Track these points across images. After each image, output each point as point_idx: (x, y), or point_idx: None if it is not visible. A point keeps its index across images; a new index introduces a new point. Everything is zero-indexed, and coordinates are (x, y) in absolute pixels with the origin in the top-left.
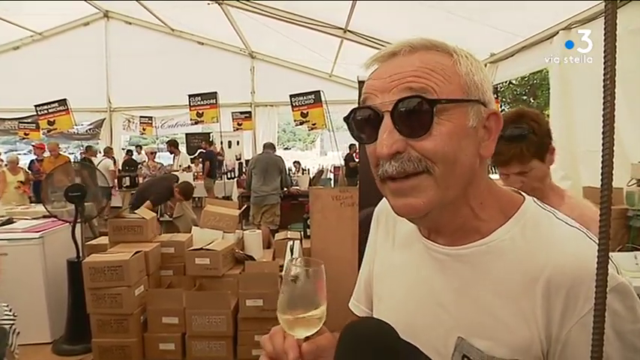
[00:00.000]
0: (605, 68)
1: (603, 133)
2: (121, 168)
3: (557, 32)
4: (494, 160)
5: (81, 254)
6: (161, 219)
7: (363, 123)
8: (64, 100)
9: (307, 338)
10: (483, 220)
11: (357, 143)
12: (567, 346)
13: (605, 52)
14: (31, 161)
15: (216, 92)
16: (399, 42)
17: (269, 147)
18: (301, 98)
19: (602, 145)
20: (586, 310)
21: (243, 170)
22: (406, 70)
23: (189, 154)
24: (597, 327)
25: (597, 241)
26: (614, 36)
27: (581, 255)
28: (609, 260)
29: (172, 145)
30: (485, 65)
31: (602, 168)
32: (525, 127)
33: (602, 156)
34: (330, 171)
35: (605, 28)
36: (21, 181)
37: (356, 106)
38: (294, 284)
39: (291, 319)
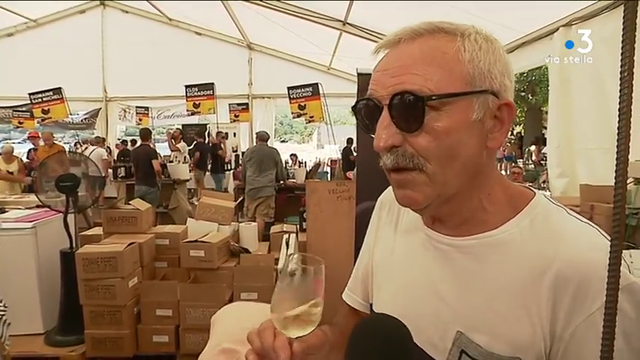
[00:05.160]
0: (622, 60)
1: (619, 128)
2: (116, 158)
3: (558, 29)
4: None
5: (74, 245)
6: (156, 210)
7: (367, 114)
8: (59, 88)
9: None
10: (491, 212)
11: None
12: (572, 344)
13: (623, 43)
14: (29, 150)
15: (213, 83)
16: (404, 28)
17: (262, 137)
18: (299, 91)
19: (618, 141)
20: (595, 308)
21: (240, 162)
22: (404, 63)
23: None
24: (607, 327)
25: (609, 238)
26: (634, 26)
27: (592, 250)
28: (622, 258)
29: (181, 134)
30: None
31: (616, 165)
32: None
33: (617, 152)
34: (327, 164)
35: (624, 22)
36: (11, 172)
37: (355, 99)
38: (291, 281)
39: (286, 318)
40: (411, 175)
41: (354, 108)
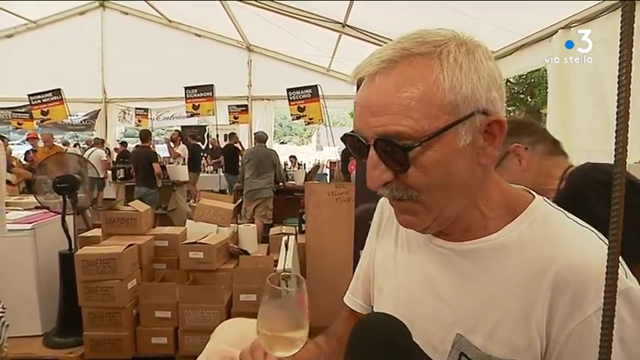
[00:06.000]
0: (620, 64)
1: (617, 131)
2: (115, 160)
3: (557, 31)
4: None
5: (73, 246)
6: (155, 212)
7: (355, 146)
8: (59, 90)
9: None
10: (490, 217)
11: None
12: (567, 346)
13: (620, 47)
14: (27, 151)
15: (212, 85)
16: (378, 56)
17: (260, 138)
18: (298, 92)
19: (615, 144)
20: (591, 311)
21: (239, 164)
22: (382, 101)
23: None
24: (605, 330)
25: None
26: (632, 30)
27: (591, 254)
28: (619, 263)
29: (180, 136)
30: None
31: (614, 167)
32: None
33: (615, 155)
34: (326, 166)
35: (621, 27)
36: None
37: (352, 103)
38: (275, 302)
39: (271, 337)
40: (408, 204)
41: (343, 139)
